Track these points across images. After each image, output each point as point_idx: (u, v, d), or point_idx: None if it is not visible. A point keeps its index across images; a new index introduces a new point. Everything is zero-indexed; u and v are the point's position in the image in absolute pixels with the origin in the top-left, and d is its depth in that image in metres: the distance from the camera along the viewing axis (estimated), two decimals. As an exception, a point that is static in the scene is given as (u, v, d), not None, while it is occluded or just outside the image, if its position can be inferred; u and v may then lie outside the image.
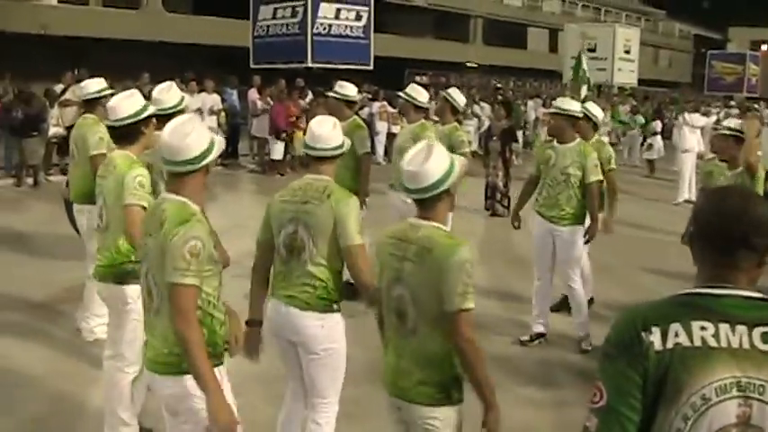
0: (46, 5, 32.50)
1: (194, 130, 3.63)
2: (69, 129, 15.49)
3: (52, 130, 15.57)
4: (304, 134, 4.94)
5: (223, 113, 17.53)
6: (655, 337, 2.11)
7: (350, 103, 8.32)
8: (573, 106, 7.12)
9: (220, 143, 3.79)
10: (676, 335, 2.10)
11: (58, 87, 16.04)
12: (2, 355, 6.63)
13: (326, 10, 18.73)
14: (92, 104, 7.31)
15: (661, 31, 60.42)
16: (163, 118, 5.63)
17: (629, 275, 9.81)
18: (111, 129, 5.15)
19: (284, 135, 17.43)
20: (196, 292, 3.49)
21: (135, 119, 4.98)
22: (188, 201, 3.62)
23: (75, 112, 15.59)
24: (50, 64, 17.71)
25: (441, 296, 3.38)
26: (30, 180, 15.30)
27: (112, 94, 6.81)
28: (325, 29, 18.75)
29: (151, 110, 5.12)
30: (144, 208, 4.62)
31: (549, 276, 7.37)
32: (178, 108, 5.64)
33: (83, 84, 7.54)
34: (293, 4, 18.70)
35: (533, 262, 7.56)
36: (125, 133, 5.02)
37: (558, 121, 7.09)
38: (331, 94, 8.42)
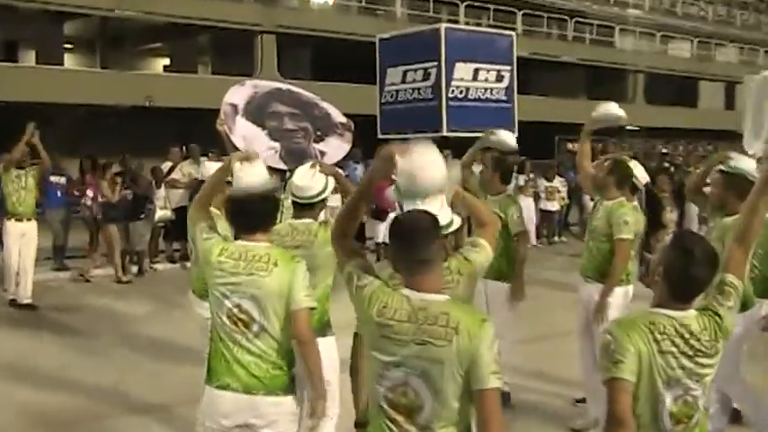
0: (150, 75, 33.99)
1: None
2: (177, 211, 15.86)
3: (159, 213, 15.85)
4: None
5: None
6: None
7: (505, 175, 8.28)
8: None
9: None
10: None
11: (165, 165, 16.46)
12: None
13: (463, 71, 18.70)
14: None
15: None
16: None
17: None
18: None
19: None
20: None
21: None
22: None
23: (183, 193, 15.87)
24: (156, 138, 18.27)
25: None
26: (134, 268, 15.56)
27: None
28: (461, 92, 18.71)
29: None
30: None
31: None
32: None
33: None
34: (425, 65, 18.79)
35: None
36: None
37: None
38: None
